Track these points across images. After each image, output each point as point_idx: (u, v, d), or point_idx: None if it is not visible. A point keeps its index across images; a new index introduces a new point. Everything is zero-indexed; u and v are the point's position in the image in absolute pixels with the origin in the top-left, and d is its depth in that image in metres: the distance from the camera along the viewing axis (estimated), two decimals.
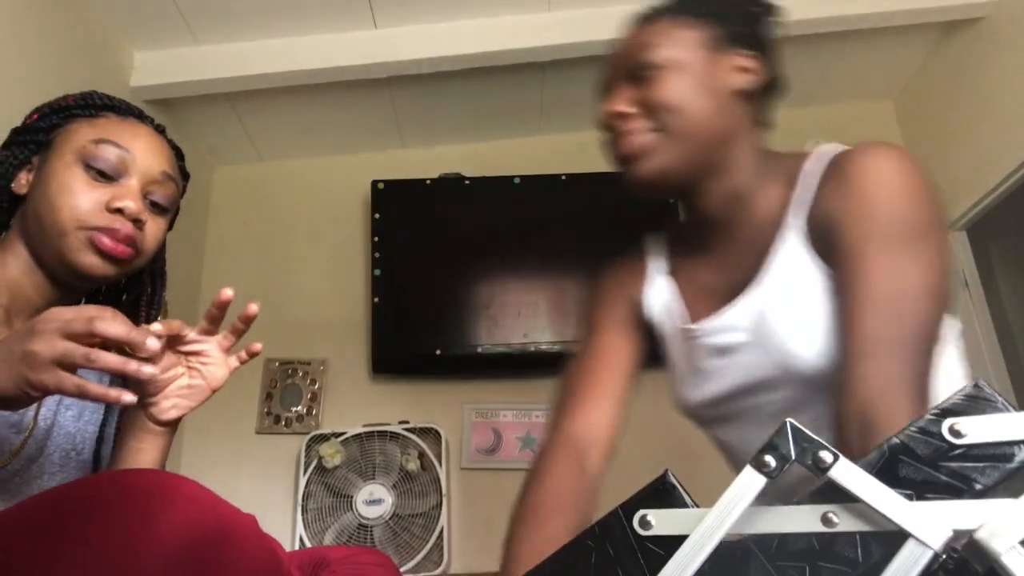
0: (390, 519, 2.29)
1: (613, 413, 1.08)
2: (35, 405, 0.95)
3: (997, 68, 2.38)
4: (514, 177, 2.64)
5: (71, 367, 0.70)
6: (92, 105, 1.00)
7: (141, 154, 0.98)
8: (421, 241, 2.60)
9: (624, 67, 1.01)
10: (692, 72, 0.95)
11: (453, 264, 2.57)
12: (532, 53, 2.37)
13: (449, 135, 2.83)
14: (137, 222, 0.95)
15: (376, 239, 2.58)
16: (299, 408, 2.54)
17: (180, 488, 0.60)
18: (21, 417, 0.94)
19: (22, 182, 0.98)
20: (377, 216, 2.62)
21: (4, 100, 1.77)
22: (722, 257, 1.01)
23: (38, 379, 0.69)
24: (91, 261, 0.93)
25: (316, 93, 2.50)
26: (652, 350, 1.13)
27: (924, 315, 0.82)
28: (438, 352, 2.47)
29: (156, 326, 0.83)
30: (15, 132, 1.01)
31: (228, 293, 0.87)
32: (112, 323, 0.71)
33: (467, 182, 2.67)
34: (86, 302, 1.08)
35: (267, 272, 2.71)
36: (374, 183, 2.66)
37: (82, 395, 0.70)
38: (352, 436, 2.39)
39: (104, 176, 0.95)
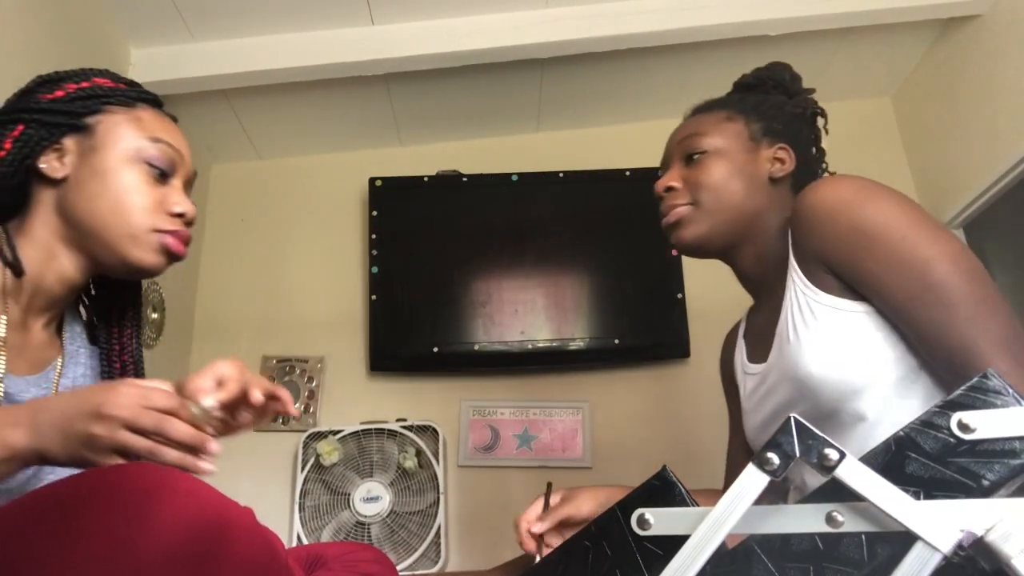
0: (387, 516, 2.29)
1: None
2: None
3: (995, 65, 2.37)
4: (512, 174, 2.63)
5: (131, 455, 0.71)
6: (128, 95, 0.99)
7: (185, 155, 1.00)
8: (419, 238, 2.59)
9: (679, 149, 1.20)
10: (732, 159, 1.14)
11: (451, 261, 2.56)
12: (530, 50, 2.36)
13: (447, 132, 2.82)
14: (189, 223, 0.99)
15: (374, 236, 2.57)
16: (297, 406, 2.53)
17: (178, 483, 0.60)
18: None
19: (55, 165, 0.94)
20: (375, 213, 2.61)
21: (0, 97, 1.76)
22: (764, 308, 1.17)
23: (95, 460, 0.71)
24: (157, 261, 0.96)
25: (314, 90, 2.49)
26: None
27: (961, 283, 0.87)
28: (435, 350, 2.46)
29: (209, 401, 0.82)
30: (33, 108, 0.96)
31: (292, 410, 0.90)
32: (180, 427, 0.73)
33: (465, 179, 2.66)
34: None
35: (264, 269, 2.70)
36: (372, 180, 2.64)
37: None
38: (349, 434, 2.38)
39: (163, 177, 0.96)
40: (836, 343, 0.96)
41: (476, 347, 2.46)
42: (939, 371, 0.91)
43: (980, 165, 2.44)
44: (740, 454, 1.31)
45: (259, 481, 2.41)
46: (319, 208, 2.79)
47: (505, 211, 2.61)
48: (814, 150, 1.27)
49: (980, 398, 0.49)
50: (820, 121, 1.30)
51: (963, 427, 0.49)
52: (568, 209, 2.59)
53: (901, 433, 0.50)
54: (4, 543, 0.59)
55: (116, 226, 0.92)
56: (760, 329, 1.17)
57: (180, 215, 0.97)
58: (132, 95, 1.00)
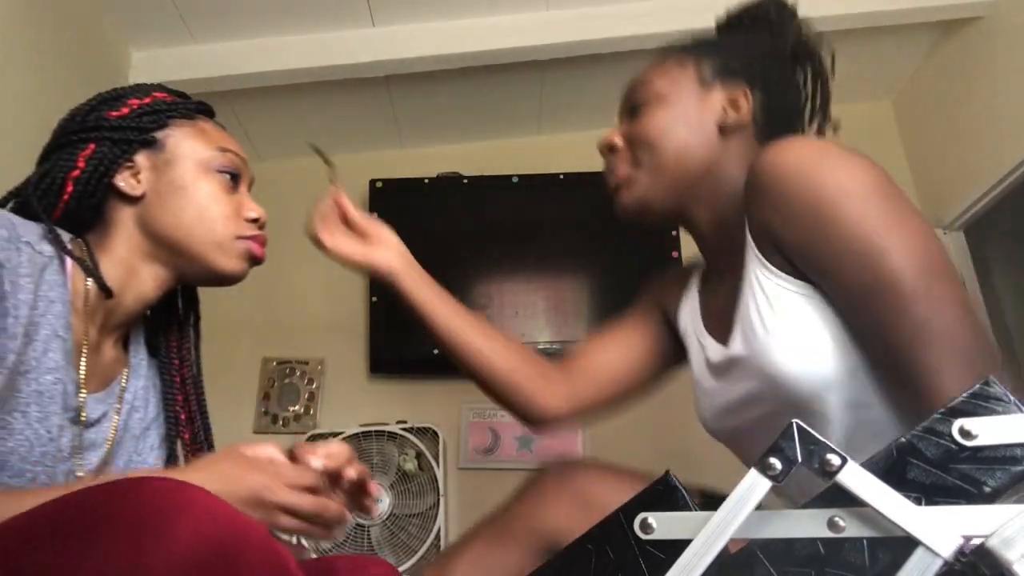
0: (387, 519, 2.28)
1: (605, 379, 1.17)
2: (112, 419, 0.96)
3: (996, 68, 2.37)
4: (512, 176, 2.63)
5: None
6: (188, 107, 1.01)
7: (247, 161, 1.04)
8: (419, 240, 2.57)
9: (624, 102, 1.07)
10: (674, 107, 1.00)
11: (451, 263, 2.55)
12: (531, 52, 2.36)
13: (447, 134, 2.82)
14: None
15: None
16: (297, 408, 2.53)
17: (193, 498, 0.59)
18: (97, 434, 0.93)
19: (132, 182, 0.95)
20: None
21: (1, 99, 1.76)
22: (724, 282, 1.03)
23: None
24: (242, 267, 0.99)
25: (314, 91, 2.49)
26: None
27: (917, 280, 0.76)
28: (436, 352, 2.44)
29: (318, 463, 0.88)
30: (103, 126, 0.95)
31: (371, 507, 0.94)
32: (333, 509, 0.79)
33: (465, 181, 2.66)
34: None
35: (265, 271, 2.67)
36: (372, 182, 2.64)
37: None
38: (349, 436, 2.38)
39: (234, 184, 1.00)
40: (807, 335, 0.85)
41: None
42: (884, 380, 0.83)
43: (981, 168, 2.44)
44: (593, 346, 1.20)
45: None
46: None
47: (506, 213, 2.61)
48: (805, 97, 1.09)
49: (982, 405, 0.49)
50: (823, 62, 1.10)
51: (964, 434, 0.49)
52: (569, 211, 2.59)
53: (903, 440, 0.50)
54: (16, 555, 0.59)
55: (202, 235, 0.95)
56: (719, 305, 1.04)
57: (255, 220, 1.01)
58: (192, 107, 1.02)
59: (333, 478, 0.89)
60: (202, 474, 0.76)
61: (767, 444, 0.95)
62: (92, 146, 0.94)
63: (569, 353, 1.22)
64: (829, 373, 0.84)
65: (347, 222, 1.13)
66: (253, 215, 1.00)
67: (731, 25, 1.12)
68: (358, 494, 0.92)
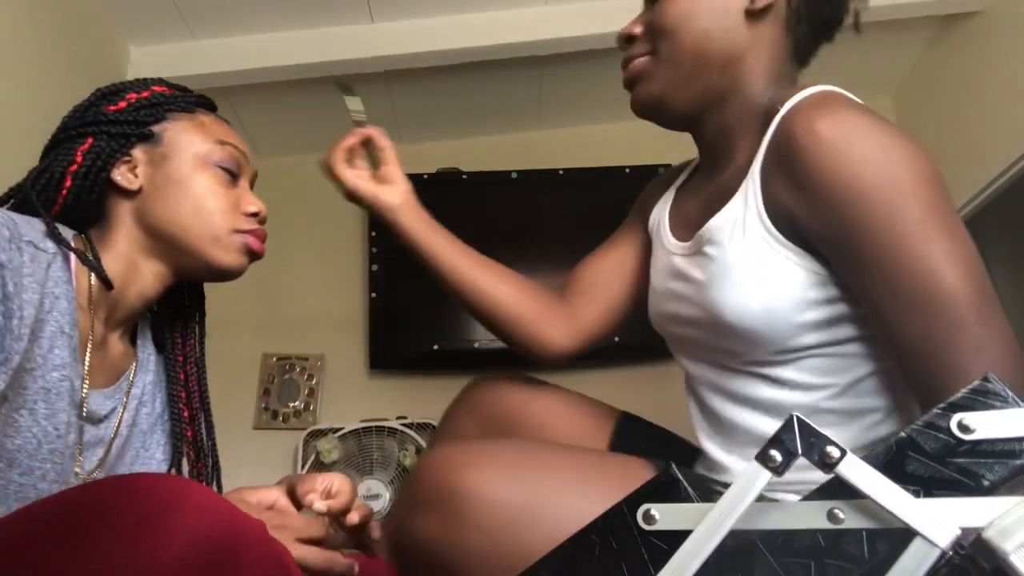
0: (387, 514, 2.29)
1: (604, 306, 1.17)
2: (119, 414, 0.96)
3: (996, 62, 2.37)
4: (512, 172, 2.63)
5: None
6: (187, 100, 1.00)
7: (248, 155, 1.03)
8: None
9: None
10: None
11: None
12: (530, 47, 2.36)
13: (446, 130, 2.82)
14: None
15: (373, 234, 2.57)
16: (296, 403, 2.54)
17: (192, 495, 0.59)
18: (104, 430, 0.93)
19: (130, 177, 0.95)
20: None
21: (0, 95, 1.76)
22: (708, 191, 0.99)
23: None
24: (240, 262, 0.98)
25: (314, 88, 2.49)
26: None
27: (964, 296, 0.74)
28: (436, 348, 2.46)
29: (321, 507, 0.90)
30: (100, 121, 0.95)
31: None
32: (340, 562, 0.80)
33: (465, 177, 2.66)
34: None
35: (264, 267, 2.66)
36: None
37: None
38: (350, 431, 2.38)
39: (233, 179, 0.99)
40: (763, 294, 0.82)
41: (477, 345, 2.46)
42: (908, 373, 0.81)
43: (981, 162, 2.44)
44: (591, 271, 1.19)
45: (259, 479, 2.40)
46: (319, 206, 2.78)
47: (505, 209, 2.61)
48: None
49: (980, 400, 0.49)
50: None
51: (963, 428, 0.49)
52: (569, 206, 2.59)
53: (902, 434, 0.51)
54: (14, 552, 0.59)
55: (199, 229, 0.94)
56: (694, 207, 1.01)
57: (255, 214, 1.00)
58: (191, 100, 1.01)
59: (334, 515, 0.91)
60: None
61: (698, 357, 0.97)
62: (90, 140, 0.94)
63: (568, 281, 1.21)
64: (770, 337, 0.83)
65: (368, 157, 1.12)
66: (252, 209, 1.00)
67: None
68: (361, 533, 0.93)
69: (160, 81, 1.03)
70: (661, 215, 1.10)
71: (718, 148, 0.97)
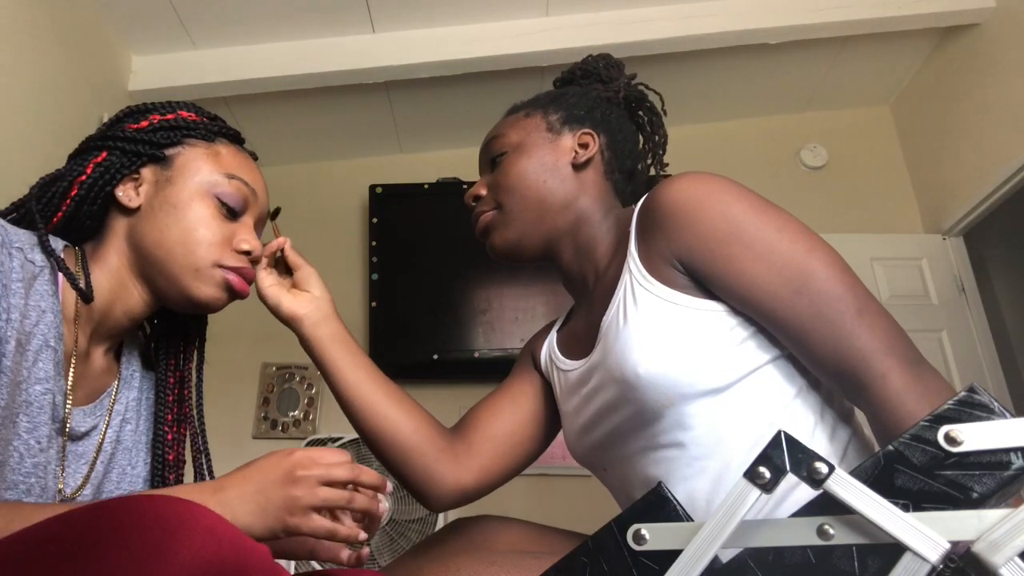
0: (387, 525, 2.28)
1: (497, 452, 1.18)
2: (101, 432, 0.95)
3: (993, 74, 2.38)
4: None
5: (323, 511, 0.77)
6: (210, 129, 0.99)
7: (259, 193, 1.00)
8: (419, 246, 2.60)
9: (483, 157, 1.17)
10: (530, 154, 1.09)
11: (451, 268, 2.56)
12: (530, 58, 2.37)
13: (447, 140, 2.83)
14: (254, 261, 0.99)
15: (374, 243, 2.58)
16: (296, 413, 2.53)
17: (198, 519, 0.58)
18: (85, 446, 0.92)
19: (132, 194, 0.94)
20: (375, 221, 2.62)
21: (3, 103, 1.77)
22: (587, 307, 1.07)
23: (295, 524, 0.75)
24: (218, 296, 0.94)
25: (314, 98, 2.50)
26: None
27: (829, 276, 0.83)
28: (435, 357, 2.46)
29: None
30: (118, 136, 0.96)
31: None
32: (368, 472, 0.82)
33: (465, 186, 2.66)
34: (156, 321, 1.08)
35: None
36: (372, 188, 2.65)
37: (331, 538, 0.79)
38: (349, 441, 2.38)
39: (232, 214, 0.96)
40: (668, 339, 0.88)
41: (476, 354, 2.46)
42: (823, 378, 0.86)
43: (979, 173, 2.45)
44: (489, 412, 1.20)
45: None
46: (320, 215, 2.80)
47: None
48: (641, 135, 1.18)
49: (966, 411, 0.49)
50: (655, 107, 1.20)
51: (950, 440, 0.49)
52: None
53: (890, 447, 0.51)
54: (17, 572, 0.58)
55: (181, 257, 0.91)
56: (581, 327, 1.09)
57: (246, 252, 0.96)
58: (213, 129, 1.00)
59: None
60: (238, 474, 0.78)
61: (622, 456, 0.98)
62: (104, 154, 0.94)
63: (462, 421, 1.22)
64: (682, 377, 0.86)
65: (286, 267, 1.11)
66: (245, 247, 0.96)
67: (566, 81, 1.22)
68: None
69: (191, 107, 1.01)
70: (551, 351, 1.15)
71: (582, 265, 1.08)
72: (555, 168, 1.08)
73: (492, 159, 1.14)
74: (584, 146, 1.09)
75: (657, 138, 1.18)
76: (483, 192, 1.12)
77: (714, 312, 0.89)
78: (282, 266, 1.10)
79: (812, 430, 0.86)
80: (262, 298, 1.08)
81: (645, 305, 0.91)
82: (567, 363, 1.08)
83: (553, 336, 1.17)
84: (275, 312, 1.08)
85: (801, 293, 0.83)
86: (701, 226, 0.89)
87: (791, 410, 0.87)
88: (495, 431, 1.19)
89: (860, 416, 0.88)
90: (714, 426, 0.87)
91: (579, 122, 1.11)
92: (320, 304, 1.13)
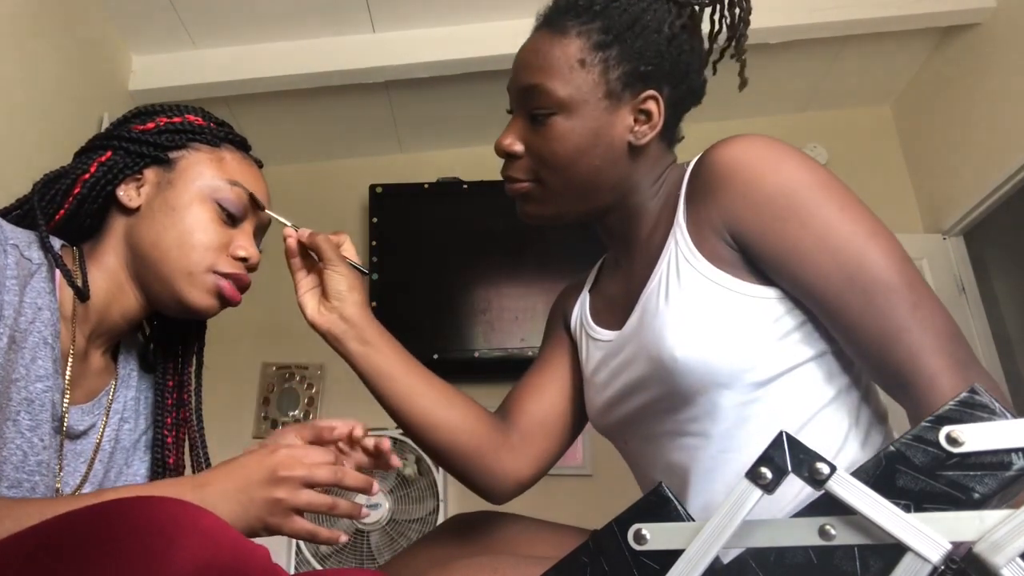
0: (387, 524, 2.29)
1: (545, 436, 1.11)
2: (99, 431, 0.95)
3: (994, 74, 2.38)
4: None
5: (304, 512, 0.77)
6: (216, 134, 0.99)
7: (260, 203, 1.01)
8: (419, 245, 2.60)
9: (521, 96, 0.95)
10: (582, 127, 0.91)
11: (451, 268, 2.56)
12: None
13: (447, 139, 2.83)
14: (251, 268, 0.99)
15: (374, 243, 2.58)
16: (296, 413, 2.54)
17: (196, 521, 0.58)
18: (83, 445, 0.92)
19: (132, 194, 0.94)
20: (375, 220, 2.62)
21: (4, 102, 1.77)
22: (627, 271, 1.00)
23: (276, 524, 0.76)
24: (209, 303, 0.94)
25: (314, 97, 2.50)
26: None
27: (887, 265, 0.78)
28: (436, 357, 2.46)
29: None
30: (124, 137, 0.96)
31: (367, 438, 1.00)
32: (352, 475, 0.82)
33: (465, 186, 2.66)
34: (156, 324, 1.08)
35: (265, 276, 2.68)
36: (372, 187, 2.65)
37: (311, 540, 0.80)
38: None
39: (232, 220, 0.96)
40: (709, 325, 0.82)
41: (476, 354, 2.46)
42: (867, 371, 0.83)
43: (979, 173, 2.45)
44: (534, 393, 1.13)
45: None
46: (320, 215, 2.79)
47: (505, 218, 2.59)
48: (711, 40, 1.00)
49: (968, 412, 0.49)
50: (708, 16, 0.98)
51: (952, 440, 0.49)
52: None
53: (891, 447, 0.51)
54: (16, 572, 0.58)
55: (176, 260, 0.91)
56: (617, 292, 1.01)
57: (243, 259, 0.97)
58: (219, 134, 1.00)
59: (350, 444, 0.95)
60: (221, 470, 0.77)
61: (646, 435, 0.95)
62: (109, 154, 0.94)
63: (508, 406, 1.15)
64: (720, 366, 0.82)
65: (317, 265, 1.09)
66: (242, 253, 0.96)
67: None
68: (379, 458, 0.96)
69: (199, 111, 1.01)
70: (582, 313, 1.08)
71: (625, 229, 0.99)
72: (610, 148, 0.92)
73: (532, 112, 0.93)
74: (646, 113, 0.92)
75: (738, 27, 0.98)
76: (518, 149, 0.95)
77: (760, 299, 0.83)
78: (311, 259, 1.08)
79: (845, 435, 0.82)
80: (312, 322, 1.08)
81: (689, 284, 0.85)
82: (600, 332, 1.02)
83: (586, 298, 1.10)
84: (311, 327, 1.05)
85: (855, 280, 0.77)
86: (757, 195, 0.82)
87: (826, 413, 0.83)
88: (544, 413, 1.12)
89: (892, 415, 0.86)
90: (745, 421, 0.83)
91: (643, 81, 0.91)
92: (345, 310, 1.06)
